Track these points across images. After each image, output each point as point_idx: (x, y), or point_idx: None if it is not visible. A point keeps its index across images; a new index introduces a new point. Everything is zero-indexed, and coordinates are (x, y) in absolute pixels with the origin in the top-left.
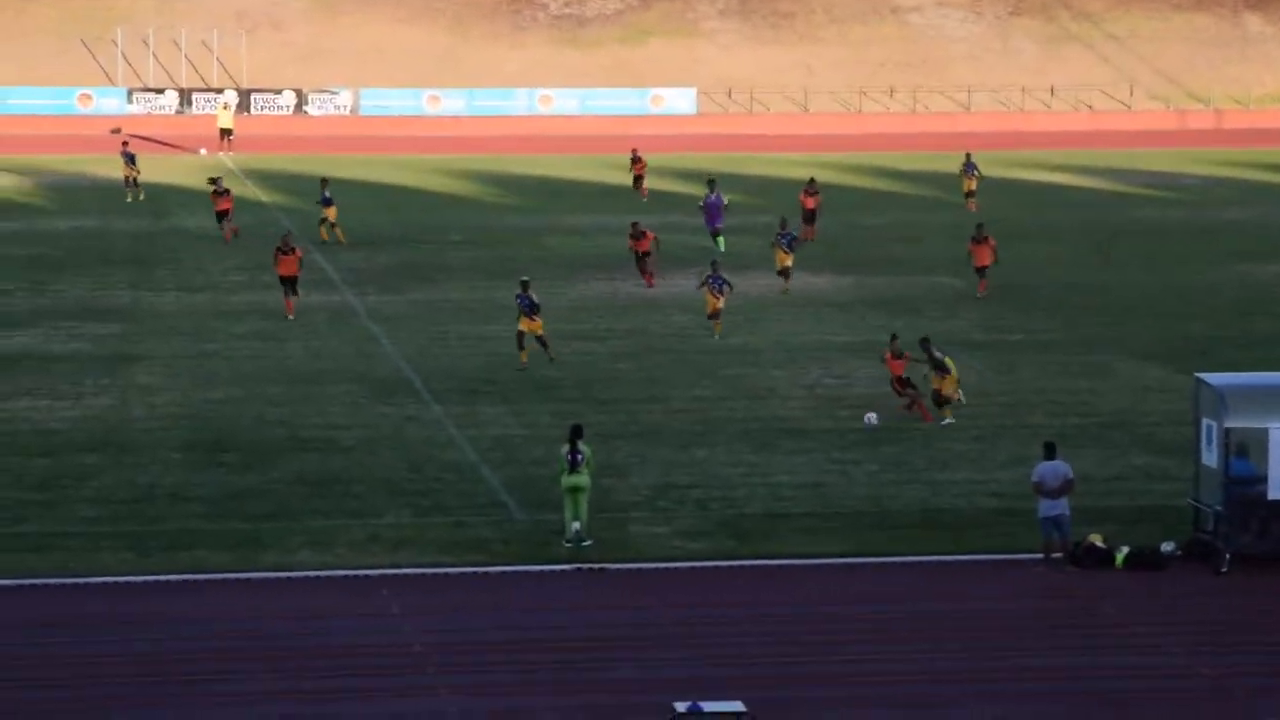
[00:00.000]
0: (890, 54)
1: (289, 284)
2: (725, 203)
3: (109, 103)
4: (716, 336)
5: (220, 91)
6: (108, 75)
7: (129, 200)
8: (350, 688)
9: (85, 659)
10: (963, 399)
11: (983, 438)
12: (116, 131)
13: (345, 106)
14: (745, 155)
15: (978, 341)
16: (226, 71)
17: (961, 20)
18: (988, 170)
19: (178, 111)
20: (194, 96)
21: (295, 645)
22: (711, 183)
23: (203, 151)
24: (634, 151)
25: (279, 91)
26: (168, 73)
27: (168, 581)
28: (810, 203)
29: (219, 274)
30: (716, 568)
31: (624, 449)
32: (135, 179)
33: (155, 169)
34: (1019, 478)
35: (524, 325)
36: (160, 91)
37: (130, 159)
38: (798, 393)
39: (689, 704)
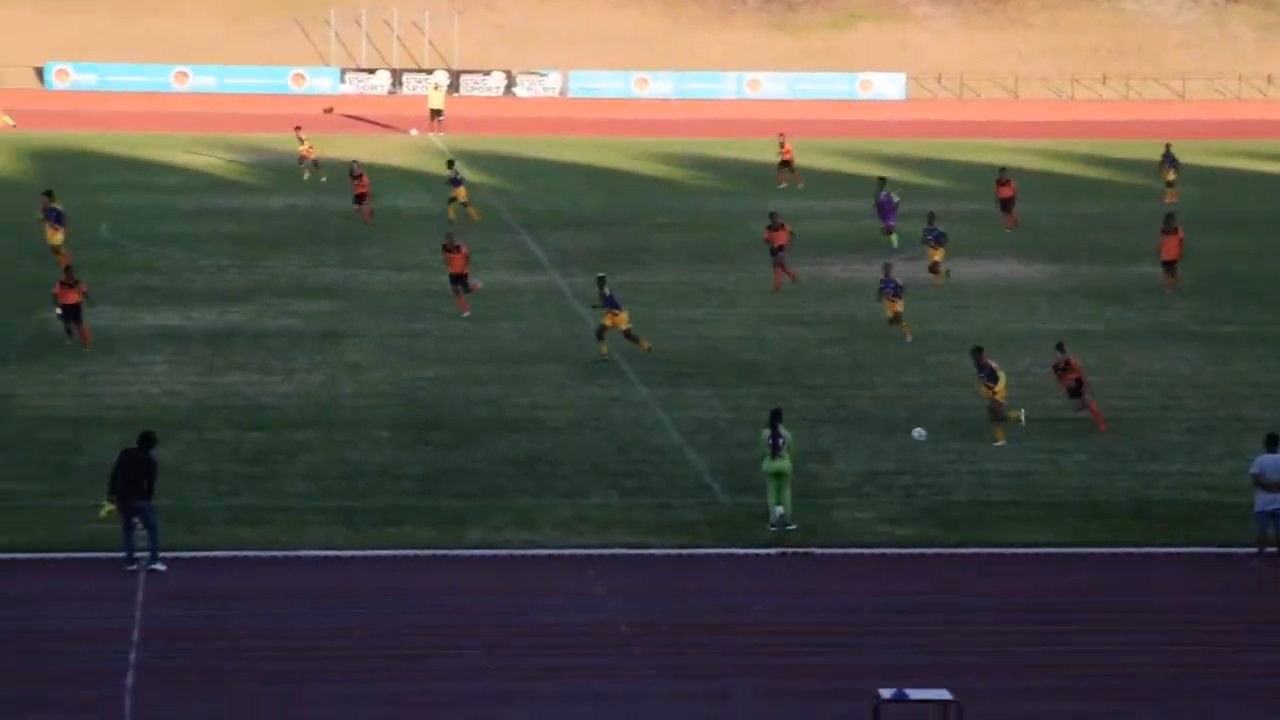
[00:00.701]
0: (1103, 41)
1: (459, 281)
2: (897, 200)
3: (322, 82)
4: (909, 339)
5: (431, 72)
6: (321, 55)
7: (305, 178)
8: (555, 666)
9: (291, 632)
10: (1023, 419)
11: (1195, 430)
12: (329, 111)
13: (554, 88)
14: (954, 141)
15: (1191, 332)
16: (438, 52)
17: (1177, 7)
18: (1201, 159)
19: (389, 92)
20: (405, 77)
21: (500, 623)
22: (882, 180)
23: (413, 132)
24: (781, 136)
25: (489, 73)
26: (380, 53)
27: (376, 557)
28: (1005, 192)
29: (428, 253)
30: (922, 554)
31: (830, 434)
32: (312, 159)
33: (366, 149)
34: (1232, 471)
35: (608, 320)
36: (372, 72)
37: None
38: (1012, 382)
39: (894, 691)
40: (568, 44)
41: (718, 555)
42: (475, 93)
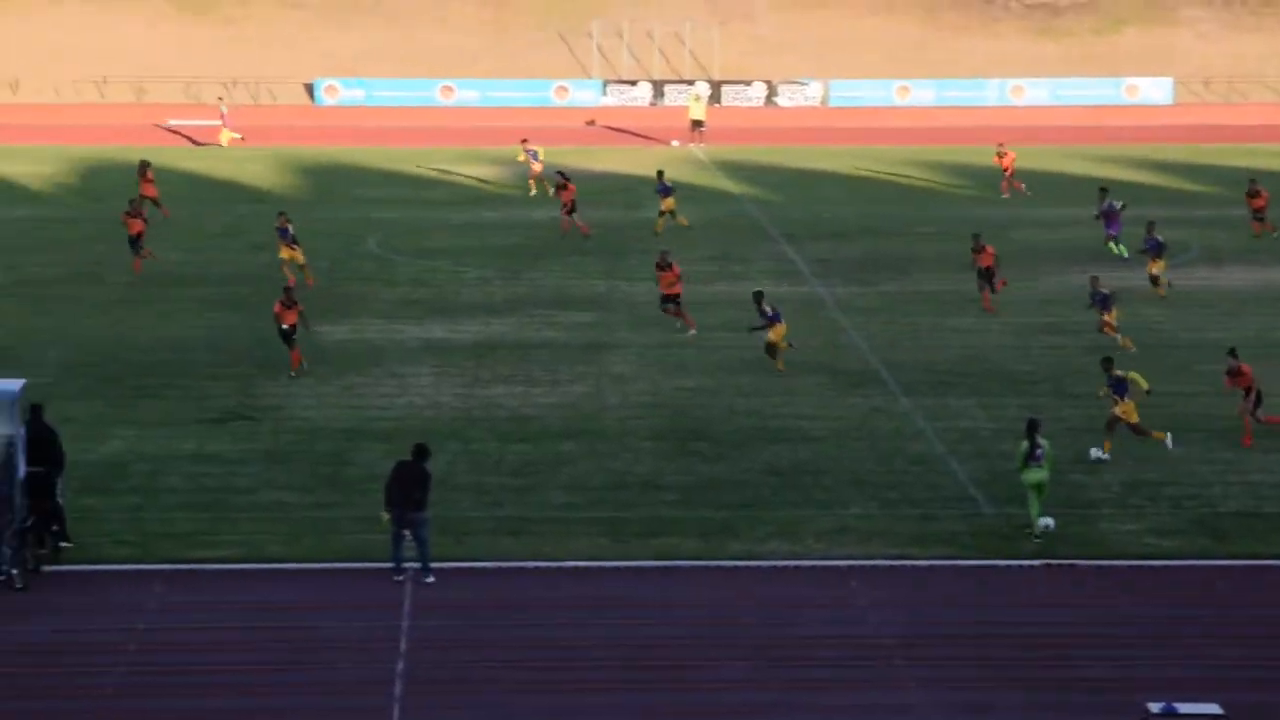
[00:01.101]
0: None
1: (670, 301)
2: (1120, 208)
3: (584, 94)
4: (1132, 350)
5: (692, 83)
6: (583, 68)
7: (533, 194)
8: (817, 677)
9: (554, 643)
10: (1169, 442)
11: None
12: (591, 123)
13: (815, 97)
14: (1222, 146)
15: None
16: (699, 63)
17: None
18: None
19: (650, 103)
20: (666, 88)
21: (762, 635)
22: (1103, 190)
23: (674, 143)
24: (1000, 145)
25: (749, 83)
26: (641, 65)
27: (639, 568)
28: (1257, 203)
29: (689, 264)
30: (1191, 566)
31: (1094, 444)
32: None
33: (627, 160)
34: None
35: (772, 335)
36: (633, 83)
37: (534, 155)
38: (1277, 389)
39: (1163, 705)
40: (828, 53)
41: (981, 567)
42: (736, 103)
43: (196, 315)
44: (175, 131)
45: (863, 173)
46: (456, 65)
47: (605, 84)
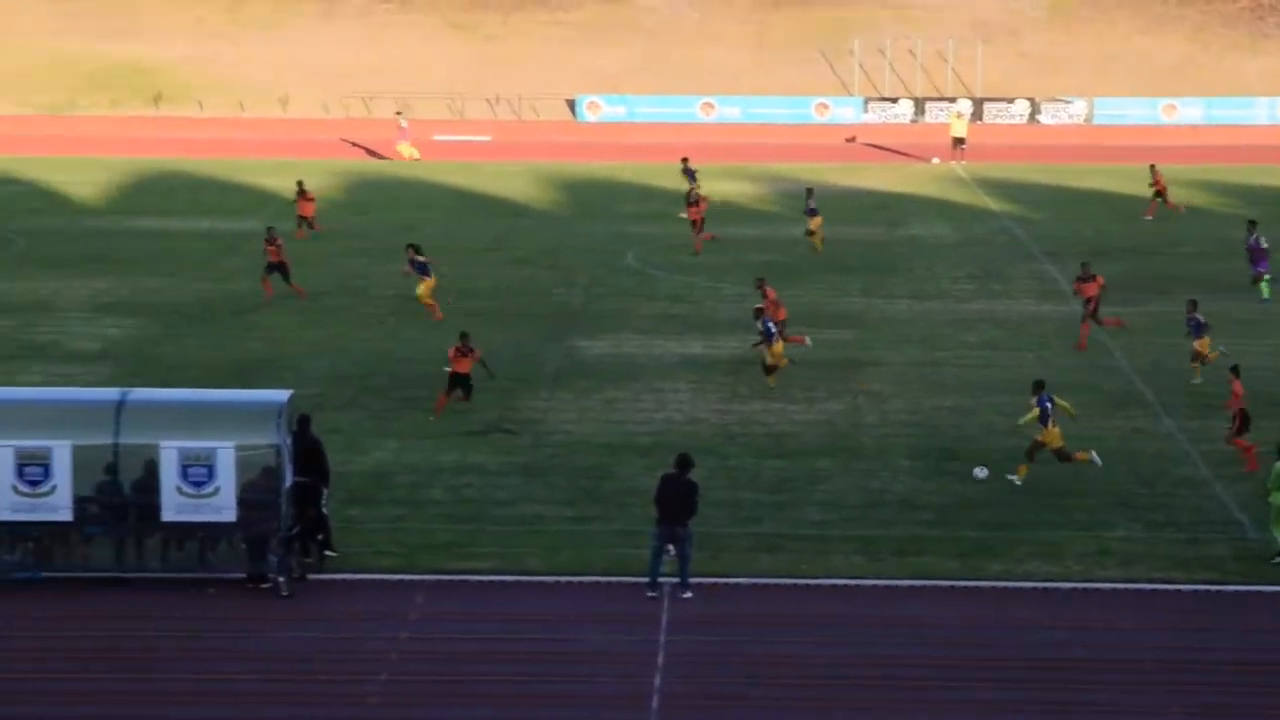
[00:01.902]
0: None
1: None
2: (1265, 245)
3: (845, 111)
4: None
5: (954, 100)
6: (844, 84)
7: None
8: (1078, 701)
9: (809, 660)
10: (1096, 459)
11: None
12: (851, 140)
13: (1079, 115)
14: None
15: None
16: (961, 80)
17: None
18: None
19: (911, 120)
20: (928, 105)
21: (1020, 657)
22: (1251, 224)
23: (935, 160)
24: (1152, 166)
25: (1012, 100)
26: (903, 82)
27: (894, 587)
28: None
29: (950, 282)
30: None
31: None
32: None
33: (888, 178)
34: None
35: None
36: (894, 101)
37: (691, 174)
38: None
39: None
40: (1093, 71)
41: (1247, 592)
42: (998, 120)
43: (460, 329)
44: (364, 152)
45: (1126, 191)
46: (718, 82)
47: (866, 101)
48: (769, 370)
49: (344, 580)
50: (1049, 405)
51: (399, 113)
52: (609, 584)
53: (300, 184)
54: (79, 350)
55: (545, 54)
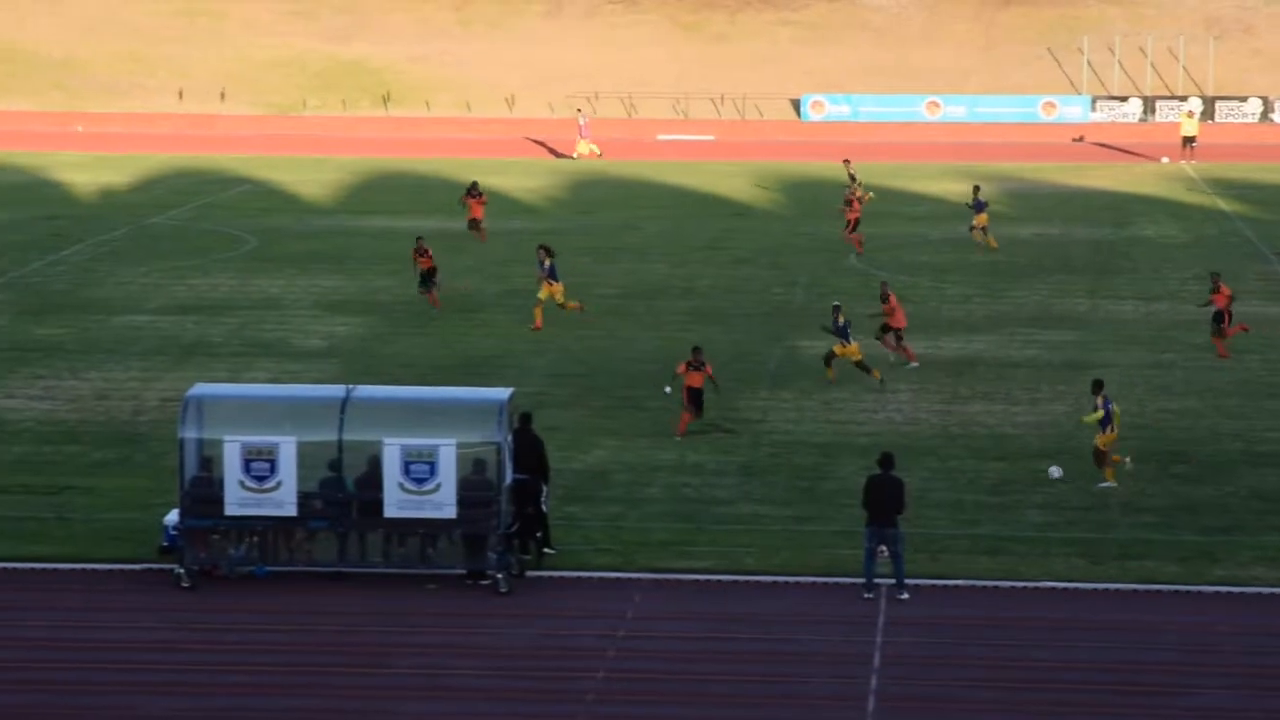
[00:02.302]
0: None
1: (892, 333)
2: None
3: (1072, 110)
4: None
5: (1185, 99)
6: (1072, 83)
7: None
8: None
9: (1027, 663)
10: (1129, 464)
11: None
12: (1079, 140)
13: None
14: None
15: None
16: (1191, 79)
17: None
18: None
19: (1140, 119)
20: (1157, 104)
21: (1246, 663)
22: None
23: (1164, 160)
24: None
25: (1244, 99)
26: (1132, 80)
27: (1116, 590)
28: None
29: (1178, 283)
30: None
31: None
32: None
33: (1116, 177)
34: None
35: (838, 349)
36: (1123, 99)
37: (852, 177)
38: None
39: None
40: None
41: None
42: (1230, 119)
43: (681, 327)
44: (547, 151)
45: None
46: (944, 81)
47: (1094, 100)
48: (828, 361)
49: (562, 578)
50: (1111, 407)
51: (579, 110)
52: (826, 584)
53: (474, 185)
54: (306, 347)
55: (771, 53)
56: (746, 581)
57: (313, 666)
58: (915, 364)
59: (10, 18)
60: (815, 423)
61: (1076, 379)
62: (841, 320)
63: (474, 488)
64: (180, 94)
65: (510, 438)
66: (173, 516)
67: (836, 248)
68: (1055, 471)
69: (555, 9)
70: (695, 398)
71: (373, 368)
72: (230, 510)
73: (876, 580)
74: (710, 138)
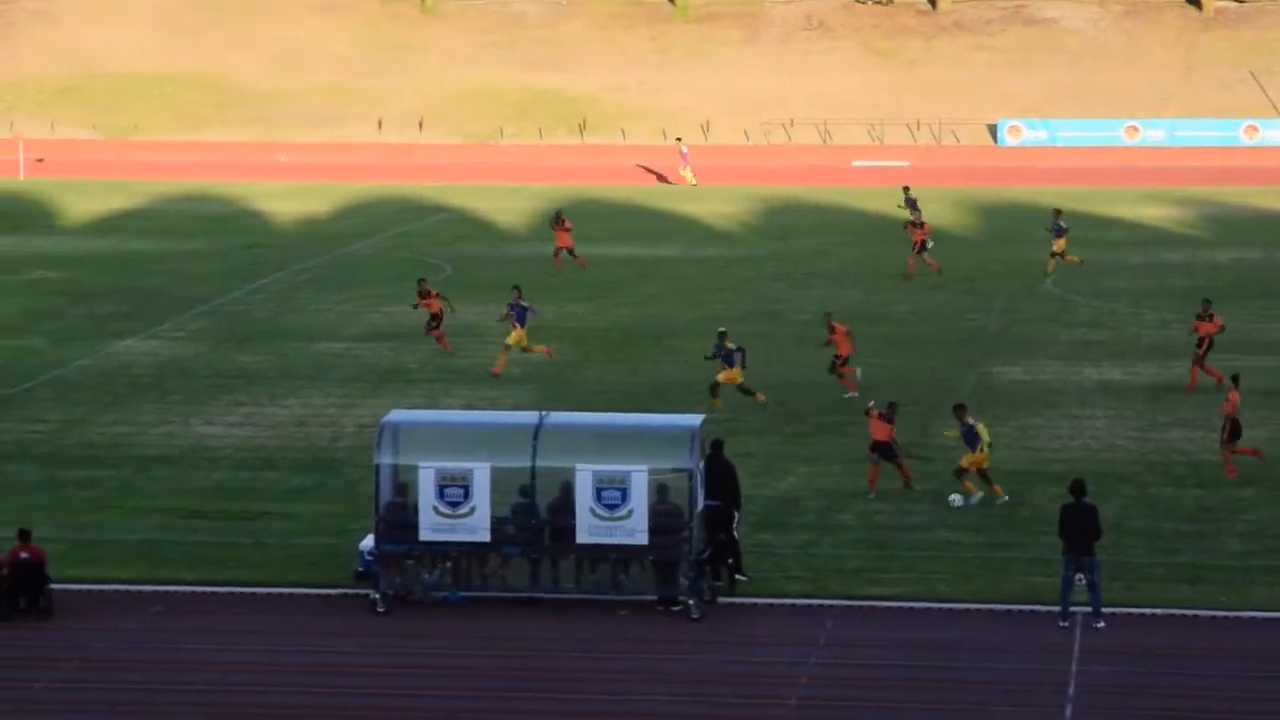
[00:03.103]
0: None
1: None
2: None
3: (1275, 134)
4: None
5: None
6: (1275, 106)
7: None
8: None
9: (1223, 694)
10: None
11: None
12: None
13: None
14: None
15: None
16: None
17: None
18: None
19: None
20: None
21: None
22: None
23: None
24: None
25: None
26: None
27: None
28: None
29: None
30: None
31: None
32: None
33: None
34: None
35: (721, 376)
36: None
37: (912, 203)
38: None
39: None
40: None
41: None
42: None
43: (876, 353)
44: (655, 177)
45: None
46: (1143, 105)
47: None
48: (714, 391)
49: (754, 604)
50: (977, 428)
51: (679, 139)
52: (1021, 612)
53: (559, 214)
54: (502, 375)
55: (967, 79)
56: (940, 608)
57: (505, 691)
58: (854, 394)
59: (214, 52)
60: (1010, 449)
61: (1279, 405)
62: (730, 346)
63: (666, 514)
64: (379, 124)
65: (702, 464)
66: (368, 542)
67: (1032, 272)
68: (956, 500)
69: (751, 37)
70: (881, 450)
71: (566, 394)
72: (425, 535)
73: (1073, 609)
74: (905, 164)
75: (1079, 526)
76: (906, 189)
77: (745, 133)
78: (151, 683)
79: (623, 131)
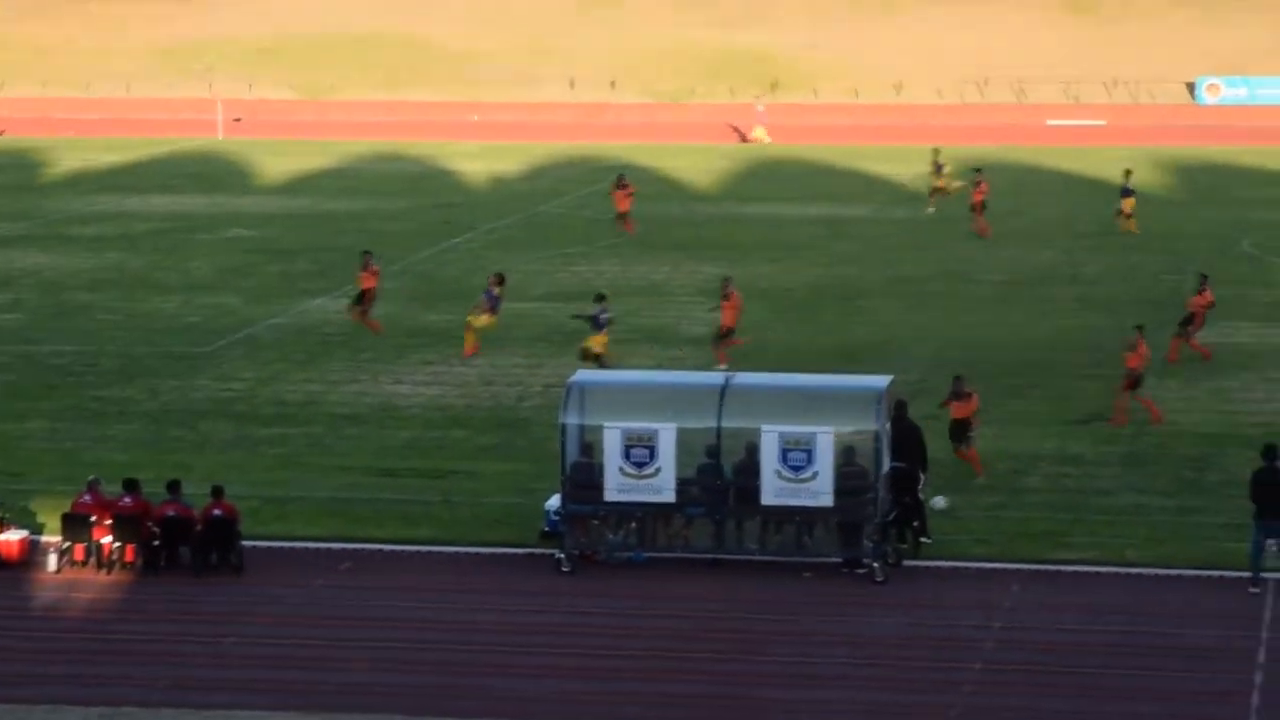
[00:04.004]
0: None
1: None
2: None
3: None
4: None
5: None
6: None
7: (930, 210)
8: None
9: None
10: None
11: None
12: None
13: None
14: None
15: None
16: None
17: None
18: None
19: None
20: None
21: None
22: None
23: None
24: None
25: None
26: None
27: None
28: None
29: None
30: None
31: None
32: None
33: None
34: None
35: (592, 342)
36: None
37: (939, 167)
38: None
39: None
40: None
41: None
42: None
43: (1069, 315)
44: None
45: None
46: None
47: None
48: (584, 356)
49: (939, 567)
50: None
51: (757, 97)
52: (1210, 578)
53: (621, 176)
54: (690, 334)
55: (1165, 36)
56: (1127, 574)
57: (688, 652)
58: (724, 366)
59: (409, 12)
60: (1202, 412)
61: None
62: (603, 311)
63: (851, 476)
64: (572, 83)
65: (888, 426)
66: (554, 501)
67: (1231, 233)
68: (939, 502)
69: None
70: (958, 432)
71: (755, 355)
72: (610, 496)
73: (1264, 574)
74: (1101, 122)
75: (1271, 492)
76: (936, 150)
77: (939, 91)
78: (340, 639)
79: (815, 90)
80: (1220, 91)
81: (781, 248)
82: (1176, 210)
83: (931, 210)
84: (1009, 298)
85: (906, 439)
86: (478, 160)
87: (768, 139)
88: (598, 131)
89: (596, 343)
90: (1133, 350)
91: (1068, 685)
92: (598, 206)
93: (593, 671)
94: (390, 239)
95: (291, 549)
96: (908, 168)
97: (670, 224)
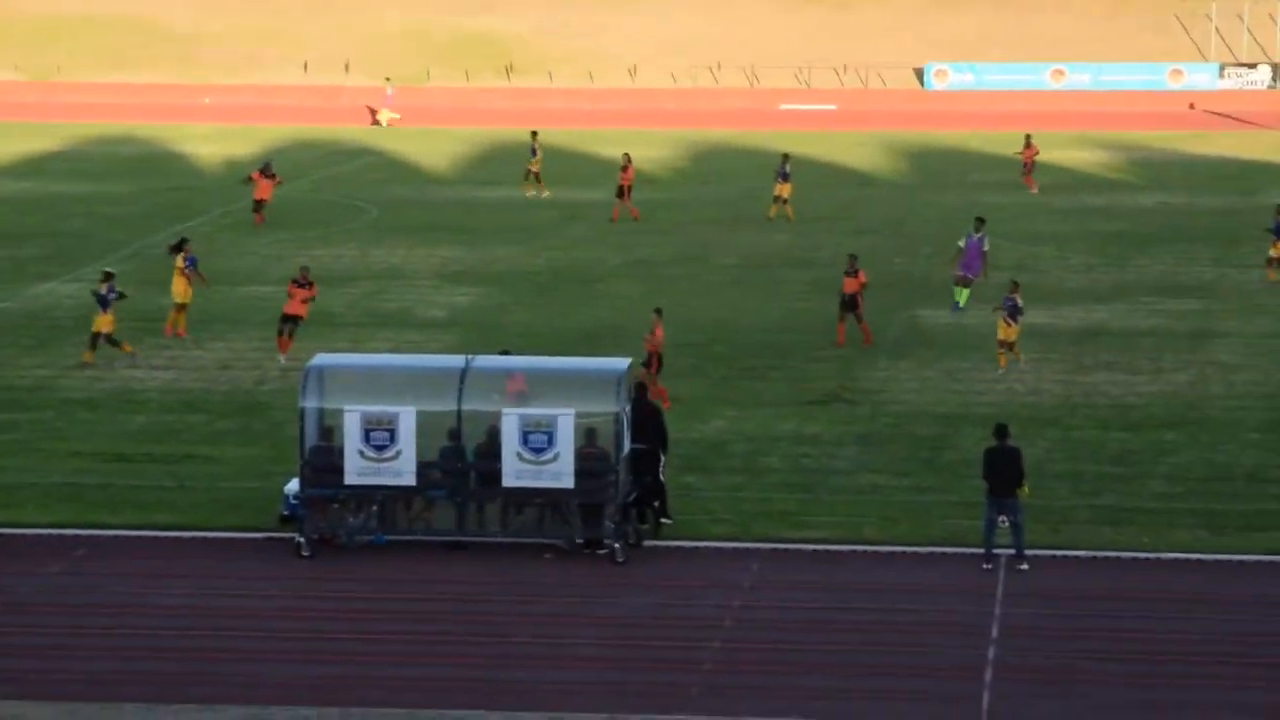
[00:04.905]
0: None
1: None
2: None
3: (1199, 78)
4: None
5: None
6: (1200, 50)
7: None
8: None
9: (1148, 635)
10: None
11: None
12: (1192, 108)
13: None
14: None
15: None
16: None
17: None
18: None
19: (1269, 86)
20: None
21: None
22: None
23: None
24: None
25: None
26: (1261, 47)
27: (1240, 562)
28: None
29: None
30: None
31: None
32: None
33: (1243, 146)
34: None
35: (100, 323)
36: (1252, 66)
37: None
38: None
39: None
40: None
41: None
42: None
43: (802, 298)
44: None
45: None
46: (1068, 49)
47: (1222, 67)
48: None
49: (679, 547)
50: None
51: (387, 79)
52: (945, 555)
53: (267, 164)
54: (427, 318)
55: (894, 22)
56: (865, 551)
57: (431, 635)
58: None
59: None
60: (936, 393)
61: (1201, 348)
62: (110, 290)
63: (592, 458)
64: (305, 66)
65: (628, 407)
66: (293, 485)
67: (960, 217)
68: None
69: None
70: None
71: (493, 338)
72: (350, 479)
73: (996, 551)
74: (832, 107)
75: (1002, 469)
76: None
77: (673, 76)
78: (76, 627)
79: (550, 74)
80: (948, 77)
81: (519, 230)
82: (908, 194)
83: (533, 195)
84: (744, 281)
85: (647, 420)
86: (210, 143)
87: (394, 116)
88: (331, 115)
89: (104, 323)
90: (650, 334)
91: (805, 663)
92: (337, 189)
93: (335, 655)
94: (121, 223)
95: (24, 536)
96: (646, 152)
97: (406, 207)
